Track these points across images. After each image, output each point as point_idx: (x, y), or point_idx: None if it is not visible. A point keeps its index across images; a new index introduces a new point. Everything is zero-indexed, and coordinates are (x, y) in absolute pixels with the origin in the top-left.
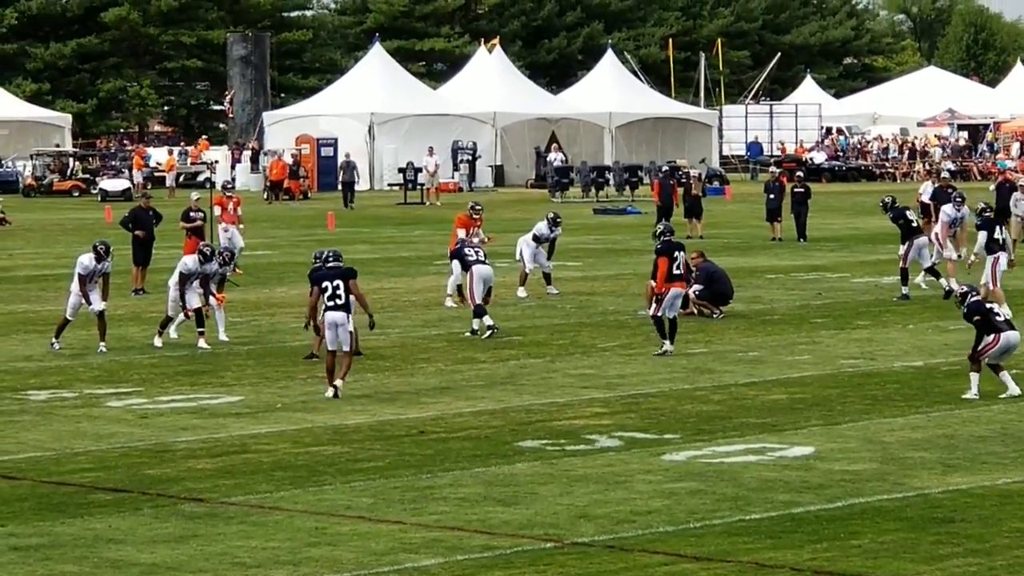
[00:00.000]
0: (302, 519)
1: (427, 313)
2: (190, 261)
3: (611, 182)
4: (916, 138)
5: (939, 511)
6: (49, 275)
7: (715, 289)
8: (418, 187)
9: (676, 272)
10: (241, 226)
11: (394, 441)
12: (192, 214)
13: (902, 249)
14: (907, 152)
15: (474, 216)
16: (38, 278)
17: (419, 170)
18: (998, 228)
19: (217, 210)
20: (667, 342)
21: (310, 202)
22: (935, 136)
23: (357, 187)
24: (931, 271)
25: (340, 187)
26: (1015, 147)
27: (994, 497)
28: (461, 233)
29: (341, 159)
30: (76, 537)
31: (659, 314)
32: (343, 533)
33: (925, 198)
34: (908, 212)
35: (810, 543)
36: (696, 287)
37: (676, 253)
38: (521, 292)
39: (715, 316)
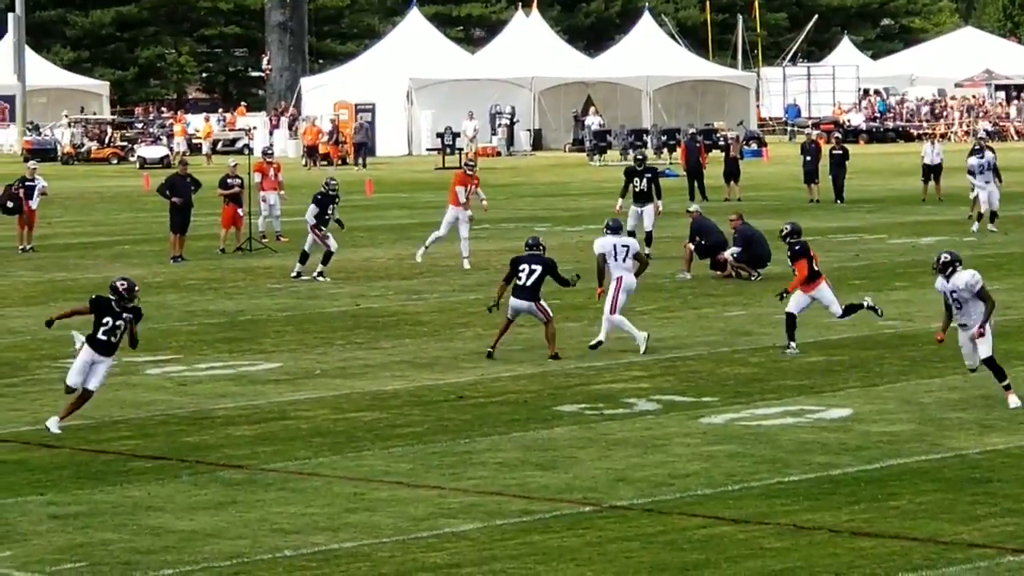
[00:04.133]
0: (341, 485)
1: (465, 278)
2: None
3: (649, 145)
4: (954, 98)
5: (976, 471)
6: (88, 243)
7: (753, 251)
8: (456, 152)
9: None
10: (282, 192)
11: (433, 406)
12: (229, 180)
13: None
14: (939, 111)
15: (468, 172)
16: (76, 246)
17: (457, 135)
18: None
19: (257, 177)
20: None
21: (348, 168)
22: (972, 96)
23: (389, 152)
24: None
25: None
26: None
27: None
28: (460, 191)
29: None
30: (115, 505)
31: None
32: (382, 499)
33: (928, 160)
34: None
35: (848, 504)
36: (734, 249)
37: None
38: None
39: (753, 278)
